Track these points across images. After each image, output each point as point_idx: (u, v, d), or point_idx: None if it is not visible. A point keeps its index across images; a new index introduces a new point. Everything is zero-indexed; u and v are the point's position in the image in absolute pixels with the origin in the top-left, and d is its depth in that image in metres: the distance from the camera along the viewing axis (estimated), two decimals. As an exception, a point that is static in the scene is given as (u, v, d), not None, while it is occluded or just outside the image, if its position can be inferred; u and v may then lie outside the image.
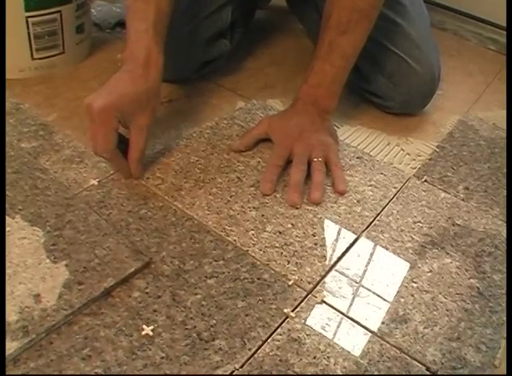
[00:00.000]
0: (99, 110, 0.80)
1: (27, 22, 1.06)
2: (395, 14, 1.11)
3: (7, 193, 0.81)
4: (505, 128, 1.22)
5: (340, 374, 0.65)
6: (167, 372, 0.62)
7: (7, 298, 0.67)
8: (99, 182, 0.88)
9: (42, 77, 1.13)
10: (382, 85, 1.15)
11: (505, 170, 1.07)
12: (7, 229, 0.76)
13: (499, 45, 1.65)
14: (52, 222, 0.78)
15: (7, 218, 0.77)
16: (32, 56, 1.11)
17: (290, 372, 0.64)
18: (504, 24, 1.62)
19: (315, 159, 0.93)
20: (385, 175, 0.99)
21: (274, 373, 0.64)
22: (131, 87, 0.85)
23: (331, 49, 0.96)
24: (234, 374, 0.63)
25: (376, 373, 0.66)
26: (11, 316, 0.65)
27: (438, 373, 0.67)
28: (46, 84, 1.11)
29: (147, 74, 0.87)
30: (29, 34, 1.08)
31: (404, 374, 0.66)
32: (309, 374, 0.65)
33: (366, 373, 0.66)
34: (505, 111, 1.30)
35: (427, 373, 0.67)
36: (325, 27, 0.96)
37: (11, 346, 0.62)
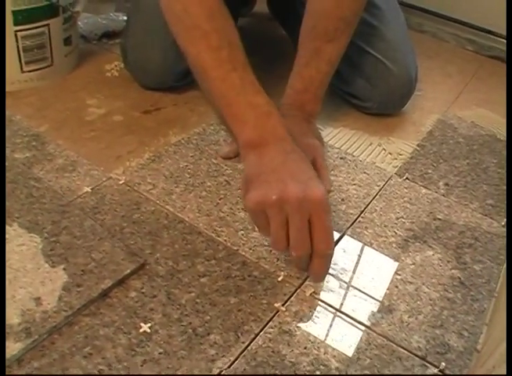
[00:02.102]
0: (326, 197, 0.72)
1: (15, 36, 1.09)
2: (372, 17, 1.14)
3: (4, 202, 0.84)
4: (483, 125, 1.26)
5: (338, 372, 0.68)
6: (168, 366, 0.65)
7: (9, 302, 0.69)
8: (92, 189, 0.90)
9: (32, 89, 1.15)
10: (360, 87, 1.18)
11: (484, 166, 1.11)
12: (6, 236, 0.78)
13: (476, 45, 1.69)
14: (49, 228, 0.81)
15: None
16: (22, 68, 1.13)
17: (285, 362, 0.68)
18: (482, 25, 1.67)
19: None
20: (368, 174, 1.03)
21: (270, 363, 0.67)
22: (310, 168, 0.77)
23: (318, 56, 0.99)
24: (222, 374, 0.66)
25: (367, 361, 0.69)
26: (13, 318, 0.67)
27: (427, 358, 0.70)
28: (36, 96, 1.14)
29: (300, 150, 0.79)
30: (18, 47, 1.10)
31: (406, 374, 0.69)
32: (308, 374, 0.68)
33: (358, 361, 0.69)
34: (483, 109, 1.34)
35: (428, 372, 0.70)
36: (310, 35, 0.99)
37: (15, 347, 0.64)
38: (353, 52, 1.10)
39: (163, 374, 0.65)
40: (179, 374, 0.65)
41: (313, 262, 0.74)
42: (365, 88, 1.18)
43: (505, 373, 0.54)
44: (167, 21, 0.89)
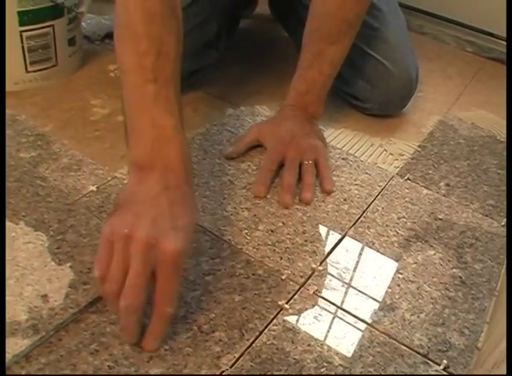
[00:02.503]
0: (179, 254, 0.63)
1: (21, 36, 1.10)
2: (373, 19, 1.15)
3: (10, 200, 0.85)
4: (483, 126, 1.27)
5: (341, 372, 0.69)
6: (174, 362, 0.66)
7: (16, 299, 0.70)
8: (97, 188, 0.91)
9: (37, 89, 1.16)
10: (361, 88, 1.19)
11: (484, 166, 1.12)
12: (12, 234, 0.79)
13: (477, 47, 1.70)
14: (55, 226, 0.82)
15: (11, 224, 0.81)
16: (26, 68, 1.14)
17: (289, 359, 0.69)
18: (482, 27, 1.68)
19: (306, 162, 0.97)
20: (370, 174, 1.04)
21: (274, 360, 0.68)
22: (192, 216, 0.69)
23: (321, 58, 1.00)
24: (224, 374, 0.67)
25: (370, 358, 0.70)
26: (21, 315, 0.68)
27: (429, 356, 0.71)
28: (41, 95, 1.14)
29: (192, 190, 0.71)
30: (23, 47, 1.11)
31: (409, 372, 0.70)
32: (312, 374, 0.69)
33: (361, 358, 0.70)
34: (483, 111, 1.35)
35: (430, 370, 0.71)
36: (314, 37, 1.00)
37: (23, 344, 0.65)
38: (354, 54, 1.11)
39: (170, 371, 0.66)
40: (185, 372, 0.66)
41: (152, 321, 0.66)
42: (366, 90, 1.19)
43: (505, 370, 0.55)
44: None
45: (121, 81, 0.73)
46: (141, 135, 0.70)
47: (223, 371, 0.67)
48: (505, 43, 1.64)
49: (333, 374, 0.68)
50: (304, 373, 0.67)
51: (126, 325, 0.65)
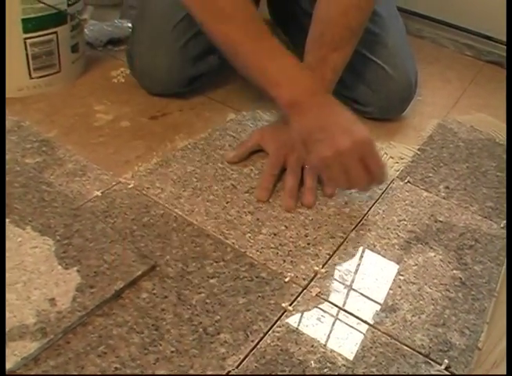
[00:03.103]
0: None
1: (25, 43, 1.11)
2: (373, 25, 1.16)
3: (16, 206, 0.86)
4: (482, 129, 1.29)
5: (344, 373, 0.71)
6: (180, 364, 0.68)
7: (24, 303, 0.71)
8: (102, 193, 0.92)
9: (41, 95, 1.18)
10: (362, 92, 1.21)
11: (483, 169, 1.13)
12: (18, 239, 0.80)
13: (475, 50, 1.71)
14: (61, 231, 0.83)
15: (18, 229, 0.82)
16: (30, 75, 1.16)
17: (293, 360, 0.70)
18: (480, 31, 1.69)
19: (307, 166, 0.99)
20: (370, 177, 1.05)
21: (279, 361, 0.70)
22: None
23: (323, 64, 1.01)
24: (230, 374, 0.68)
25: (373, 358, 0.71)
26: (29, 319, 0.69)
27: (430, 356, 0.73)
28: (45, 101, 1.16)
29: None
30: (27, 54, 1.13)
31: (411, 372, 0.71)
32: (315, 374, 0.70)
33: (364, 358, 0.71)
34: (482, 114, 1.37)
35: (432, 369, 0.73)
36: (317, 43, 1.01)
37: (31, 347, 0.66)
38: (355, 59, 1.12)
39: (176, 373, 0.67)
40: (191, 373, 0.67)
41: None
42: (367, 94, 1.20)
43: (505, 369, 0.56)
44: (191, 12, 0.96)
45: (235, 53, 0.92)
46: (278, 82, 0.89)
47: (229, 371, 0.68)
48: (503, 46, 1.66)
49: (336, 374, 0.69)
50: (307, 373, 0.69)
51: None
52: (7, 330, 0.67)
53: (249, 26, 0.91)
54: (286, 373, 0.68)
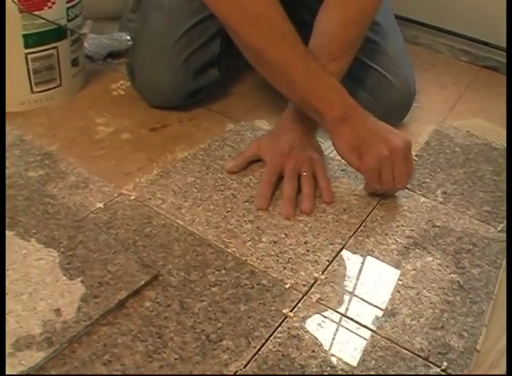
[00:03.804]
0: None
1: (26, 58, 1.13)
2: (374, 34, 1.19)
3: (20, 219, 0.88)
4: (479, 134, 1.30)
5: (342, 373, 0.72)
6: (183, 371, 0.69)
7: (30, 313, 0.73)
8: (104, 205, 0.94)
9: (42, 109, 1.19)
10: (363, 100, 1.21)
11: (480, 173, 1.15)
12: (23, 251, 0.82)
13: (471, 56, 1.73)
14: (65, 243, 0.84)
15: (23, 241, 0.84)
16: (32, 89, 1.18)
17: (295, 365, 0.71)
18: (476, 36, 1.71)
19: (305, 173, 1.00)
20: (368, 184, 1.06)
21: (280, 366, 0.71)
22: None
23: None
24: (238, 373, 0.70)
25: (373, 362, 0.73)
26: (35, 329, 0.71)
27: (429, 359, 0.74)
28: (46, 115, 1.18)
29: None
30: (28, 69, 1.15)
31: (410, 374, 0.72)
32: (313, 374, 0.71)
33: (364, 362, 0.73)
34: (478, 119, 1.38)
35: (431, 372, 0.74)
36: (315, 54, 1.02)
37: (37, 356, 0.68)
38: (356, 67, 1.13)
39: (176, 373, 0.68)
40: (194, 374, 0.69)
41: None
42: (368, 101, 1.22)
43: (502, 370, 0.57)
44: (229, 23, 0.96)
45: (284, 71, 0.95)
46: (329, 99, 0.95)
47: (236, 371, 0.70)
48: (499, 52, 1.68)
49: (335, 374, 0.71)
50: (309, 378, 0.70)
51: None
52: (14, 340, 0.69)
53: (299, 46, 0.94)
54: (288, 378, 0.70)
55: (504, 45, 1.65)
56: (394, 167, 0.95)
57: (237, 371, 0.70)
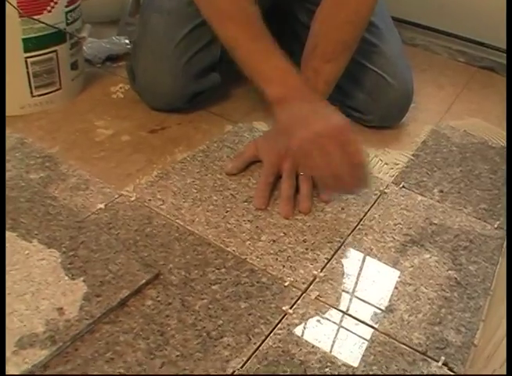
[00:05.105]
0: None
1: (26, 62, 1.14)
2: (372, 36, 1.20)
3: (22, 220, 0.89)
4: (475, 134, 1.31)
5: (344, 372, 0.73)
6: (186, 368, 0.70)
7: (33, 312, 0.74)
8: (105, 206, 0.95)
9: (42, 112, 1.20)
10: (362, 101, 1.24)
11: (476, 172, 1.16)
12: (26, 252, 0.83)
13: (468, 56, 1.74)
14: (67, 243, 0.85)
15: (25, 242, 0.84)
16: (32, 93, 1.18)
17: (295, 360, 0.72)
18: (473, 37, 1.72)
19: (302, 173, 1.01)
20: (366, 183, 1.08)
21: (280, 362, 0.72)
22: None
23: (316, 75, 1.04)
24: (235, 374, 0.71)
25: (372, 357, 0.74)
26: (38, 328, 0.72)
27: (427, 353, 0.75)
28: (46, 119, 1.19)
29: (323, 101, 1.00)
30: (28, 73, 1.16)
31: (410, 372, 0.73)
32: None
33: (363, 357, 0.74)
34: (475, 119, 1.39)
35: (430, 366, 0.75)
36: (310, 56, 1.05)
37: (41, 354, 0.69)
38: (354, 68, 1.15)
39: (180, 374, 0.69)
40: (196, 373, 0.69)
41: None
42: (367, 102, 1.23)
43: (497, 362, 0.58)
44: (198, 6, 1.03)
45: (235, 52, 0.99)
46: (270, 79, 0.97)
47: (234, 372, 0.70)
48: (496, 52, 1.69)
49: (336, 373, 0.71)
50: (308, 373, 0.71)
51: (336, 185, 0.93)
52: (17, 338, 0.70)
53: (247, 27, 0.98)
54: (288, 373, 0.71)
55: (500, 45, 1.67)
56: (327, 152, 0.89)
57: (237, 369, 0.71)
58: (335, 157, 0.88)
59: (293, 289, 0.83)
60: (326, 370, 0.72)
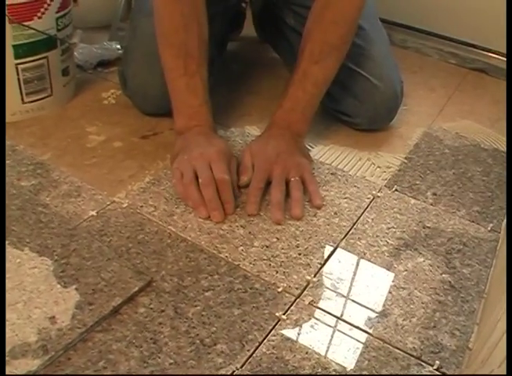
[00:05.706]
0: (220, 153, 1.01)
1: (16, 69, 1.14)
2: (357, 38, 1.19)
3: (13, 228, 0.88)
4: (468, 136, 1.31)
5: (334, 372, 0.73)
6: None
7: (25, 321, 0.73)
8: (97, 213, 0.95)
9: (33, 119, 1.20)
10: (349, 104, 1.23)
11: (469, 174, 1.16)
12: (17, 260, 0.83)
13: (459, 58, 1.74)
14: (59, 251, 0.85)
15: (16, 250, 0.84)
16: (23, 100, 1.18)
17: (288, 367, 0.72)
18: (464, 39, 1.72)
19: (293, 178, 1.01)
20: (358, 187, 1.07)
21: (274, 369, 0.72)
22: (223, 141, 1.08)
23: (304, 77, 1.05)
24: (235, 373, 0.70)
25: (366, 362, 0.73)
26: (30, 337, 0.71)
27: (422, 358, 0.75)
28: (37, 125, 1.18)
29: (216, 134, 1.11)
30: (19, 79, 1.15)
31: (402, 373, 0.73)
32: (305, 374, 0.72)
33: (357, 362, 0.73)
34: (467, 120, 1.39)
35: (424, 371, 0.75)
36: (300, 57, 1.06)
37: (33, 364, 0.68)
38: (340, 72, 1.15)
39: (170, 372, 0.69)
40: (190, 373, 0.69)
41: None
42: (354, 105, 1.23)
43: (491, 368, 0.58)
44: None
45: (168, 82, 1.08)
46: (180, 112, 1.08)
47: (234, 371, 0.70)
48: (487, 54, 1.68)
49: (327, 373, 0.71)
50: (303, 379, 0.71)
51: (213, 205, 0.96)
52: (9, 348, 0.69)
53: (182, 60, 1.04)
54: (282, 380, 0.70)
55: (492, 47, 1.67)
56: (197, 170, 0.98)
57: (235, 370, 0.70)
58: (208, 175, 0.97)
59: (287, 295, 0.83)
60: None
